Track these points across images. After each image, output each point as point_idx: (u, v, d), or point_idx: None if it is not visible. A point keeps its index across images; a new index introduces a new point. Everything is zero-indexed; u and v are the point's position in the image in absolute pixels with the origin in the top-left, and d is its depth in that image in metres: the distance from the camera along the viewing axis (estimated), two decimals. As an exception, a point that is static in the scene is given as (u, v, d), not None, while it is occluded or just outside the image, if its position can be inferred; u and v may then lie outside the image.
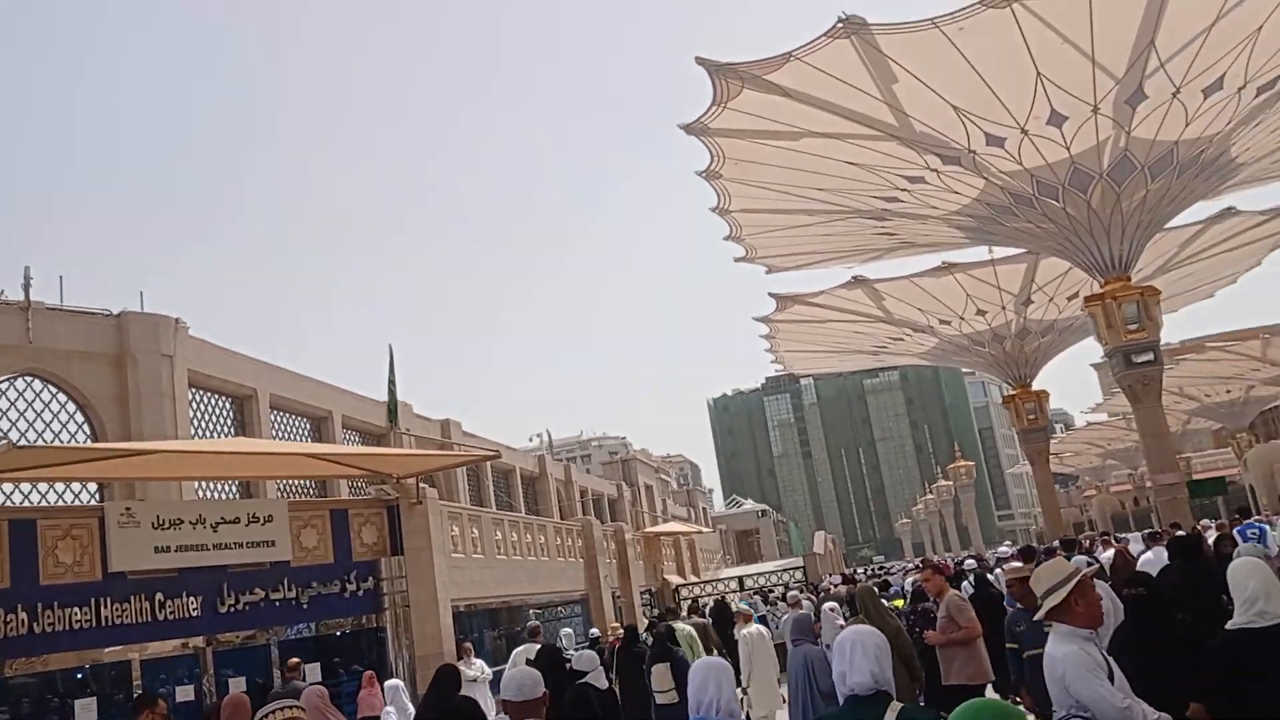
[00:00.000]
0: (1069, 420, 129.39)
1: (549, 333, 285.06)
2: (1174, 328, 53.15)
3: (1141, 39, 20.90)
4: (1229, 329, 63.96)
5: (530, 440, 61.79)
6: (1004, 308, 37.50)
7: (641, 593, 33.12)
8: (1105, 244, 25.79)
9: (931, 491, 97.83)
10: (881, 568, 44.67)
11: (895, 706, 3.78)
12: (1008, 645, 7.99)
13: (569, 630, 18.90)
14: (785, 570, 37.21)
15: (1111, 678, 4.10)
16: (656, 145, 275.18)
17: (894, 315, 38.72)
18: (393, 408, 21.44)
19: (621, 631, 15.53)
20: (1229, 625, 4.56)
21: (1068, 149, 24.01)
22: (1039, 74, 21.95)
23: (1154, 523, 44.32)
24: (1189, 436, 73.70)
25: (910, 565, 42.97)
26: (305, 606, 14.52)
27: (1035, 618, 4.50)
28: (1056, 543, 21.43)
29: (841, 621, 9.81)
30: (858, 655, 3.90)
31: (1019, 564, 10.40)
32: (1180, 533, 14.68)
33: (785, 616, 17.88)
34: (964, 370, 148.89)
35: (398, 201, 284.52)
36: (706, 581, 37.77)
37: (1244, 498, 51.91)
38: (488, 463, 32.91)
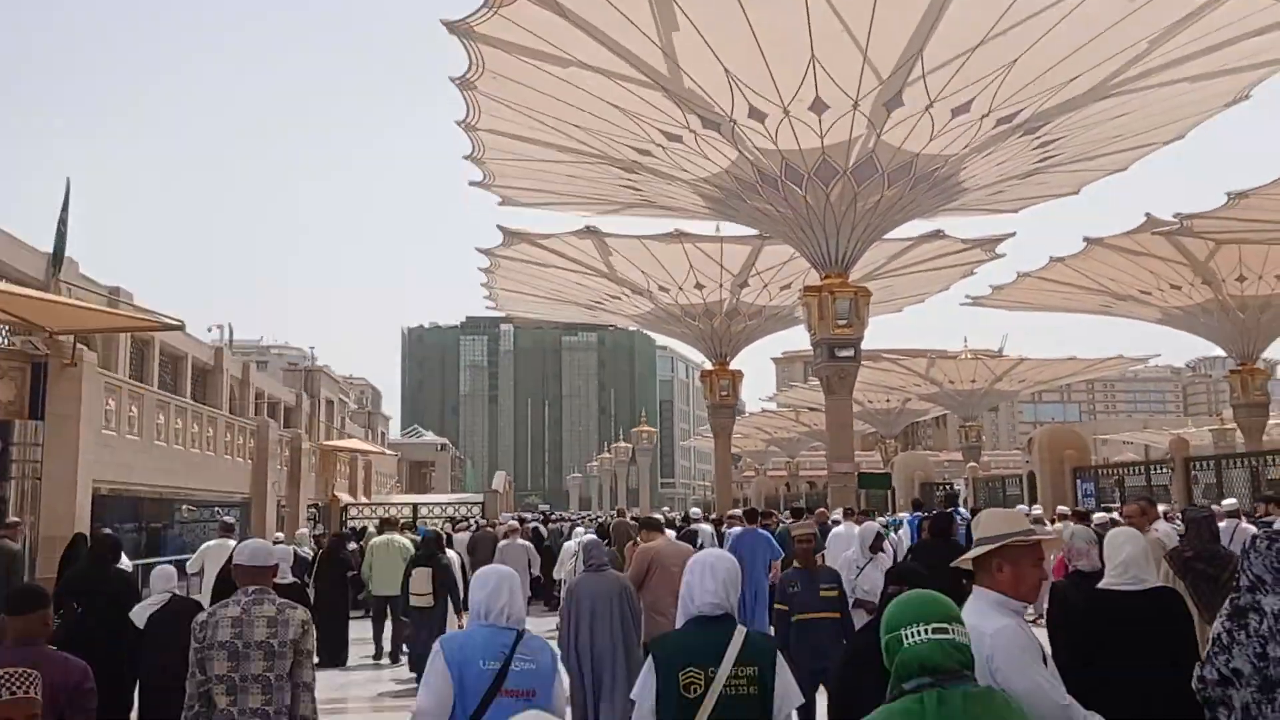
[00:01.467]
0: (742, 407, 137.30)
1: (248, 223, 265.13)
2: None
3: (912, 46, 21.54)
4: (896, 345, 69.99)
5: (209, 331, 56.79)
6: (721, 285, 38.44)
7: (309, 506, 31.46)
8: (835, 239, 26.73)
9: (610, 451, 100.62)
10: (555, 513, 45.04)
11: (740, 630, 3.86)
12: (777, 605, 7.47)
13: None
14: (464, 504, 36.98)
15: (1045, 662, 3.31)
16: (405, 59, 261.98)
17: (617, 273, 38.65)
18: (59, 251, 18.24)
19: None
20: (1101, 585, 4.79)
21: (822, 139, 24.51)
22: (814, 56, 22.12)
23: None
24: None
25: (589, 515, 43.47)
26: (-93, 461, 11.95)
27: (952, 564, 3.75)
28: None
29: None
30: (707, 578, 3.95)
31: (807, 521, 10.17)
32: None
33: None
34: (658, 345, 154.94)
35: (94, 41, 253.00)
36: (378, 504, 36.49)
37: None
38: (155, 344, 29.75)
